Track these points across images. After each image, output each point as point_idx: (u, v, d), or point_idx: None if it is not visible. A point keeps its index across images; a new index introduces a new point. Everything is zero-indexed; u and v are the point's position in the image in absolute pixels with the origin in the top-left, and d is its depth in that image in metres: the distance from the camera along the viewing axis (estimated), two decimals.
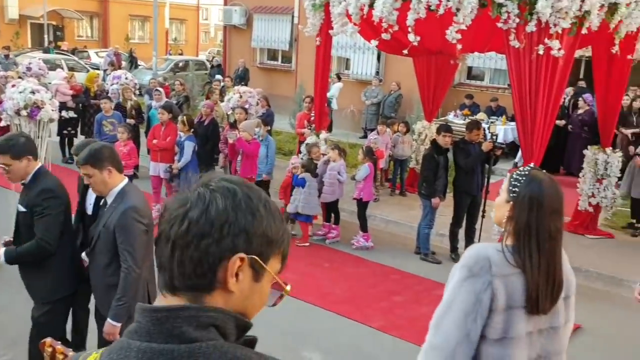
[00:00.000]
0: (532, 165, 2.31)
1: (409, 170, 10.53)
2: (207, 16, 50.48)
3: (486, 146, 7.23)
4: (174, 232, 1.12)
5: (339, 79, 15.82)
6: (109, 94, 11.29)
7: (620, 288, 6.80)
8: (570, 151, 11.88)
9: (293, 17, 17.64)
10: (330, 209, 8.21)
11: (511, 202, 2.16)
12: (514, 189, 2.16)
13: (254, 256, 1.14)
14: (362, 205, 7.96)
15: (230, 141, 8.10)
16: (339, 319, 5.75)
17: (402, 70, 13.53)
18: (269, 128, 9.31)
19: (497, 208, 2.25)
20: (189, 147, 8.10)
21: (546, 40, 6.17)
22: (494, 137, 10.01)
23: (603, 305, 6.58)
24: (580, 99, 11.88)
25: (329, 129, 14.85)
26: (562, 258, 2.18)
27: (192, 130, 8.32)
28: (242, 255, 1.12)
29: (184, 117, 8.33)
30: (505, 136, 11.83)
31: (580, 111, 11.73)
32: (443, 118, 13.71)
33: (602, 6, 6.34)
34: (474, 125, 7.53)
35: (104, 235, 3.47)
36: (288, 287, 1.22)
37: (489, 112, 13.40)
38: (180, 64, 21.88)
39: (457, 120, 13.54)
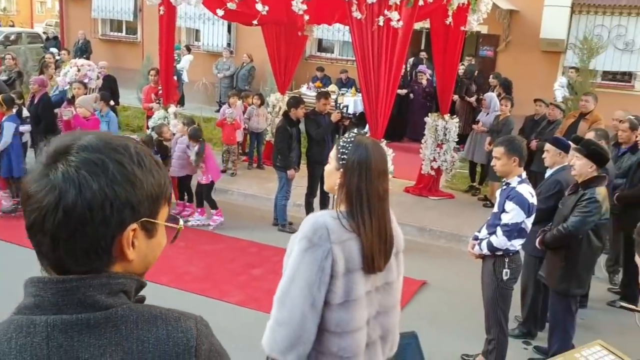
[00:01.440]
0: (355, 130, 2.36)
1: (265, 143, 10.51)
2: None
3: (335, 117, 7.41)
4: (50, 224, 1.02)
5: (189, 50, 15.29)
6: None
7: (460, 244, 7.36)
8: (413, 119, 12.57)
9: None
10: (183, 187, 7.95)
11: (341, 169, 2.19)
12: (342, 156, 2.20)
13: (144, 219, 1.10)
14: (208, 186, 7.70)
15: (65, 118, 7.48)
16: (196, 298, 5.62)
17: (253, 42, 13.37)
18: (112, 103, 8.75)
19: (328, 176, 2.29)
20: (9, 128, 7.32)
21: (386, 12, 6.38)
22: (344, 108, 10.31)
23: (446, 260, 7.10)
24: (418, 71, 12.57)
25: (181, 103, 14.41)
26: (390, 216, 2.26)
27: (17, 109, 7.52)
28: (134, 225, 1.08)
29: (2, 95, 7.50)
30: (355, 107, 12.19)
31: (422, 81, 12.41)
32: (296, 90, 13.83)
33: None
34: (322, 95, 7.67)
35: None
36: (181, 223, 1.24)
37: (340, 84, 13.72)
38: (12, 37, 19.83)
39: (309, 93, 13.73)
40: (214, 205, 7.71)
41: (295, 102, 7.63)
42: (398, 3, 6.38)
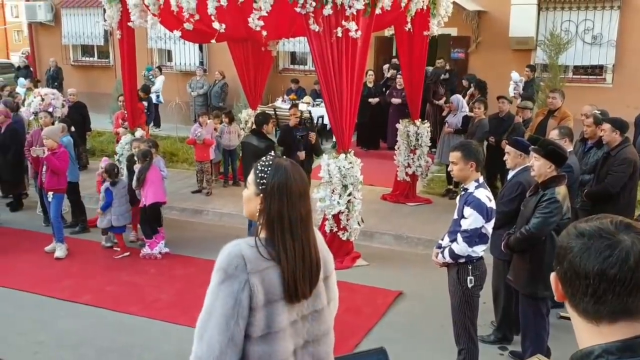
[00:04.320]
0: (272, 154, 2.27)
1: (239, 159, 10.41)
2: (17, 13, 45.93)
3: (292, 122, 7.54)
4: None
5: (161, 71, 15.22)
6: None
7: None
8: (392, 126, 12.54)
9: (105, 9, 16.55)
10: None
11: (261, 195, 2.11)
12: (261, 181, 2.11)
13: None
14: (150, 210, 7.30)
15: (34, 155, 7.38)
16: (166, 326, 5.49)
17: (225, 58, 13.25)
18: (73, 129, 8.66)
19: (247, 202, 2.19)
20: None
21: (343, 23, 6.32)
22: (317, 119, 10.28)
23: (423, 269, 6.98)
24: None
25: (157, 125, 14.33)
26: (316, 239, 2.18)
27: None
28: None
29: None
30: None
31: (398, 87, 12.37)
32: (271, 104, 13.79)
33: None
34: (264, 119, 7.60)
35: None
36: None
37: (314, 95, 13.69)
38: None
39: (284, 105, 13.69)
40: (149, 234, 7.30)
41: (264, 118, 7.58)
42: (355, 13, 6.33)
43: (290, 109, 7.55)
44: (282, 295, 2.05)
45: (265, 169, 2.12)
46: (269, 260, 2.05)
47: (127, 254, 7.29)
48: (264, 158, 2.18)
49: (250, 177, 2.17)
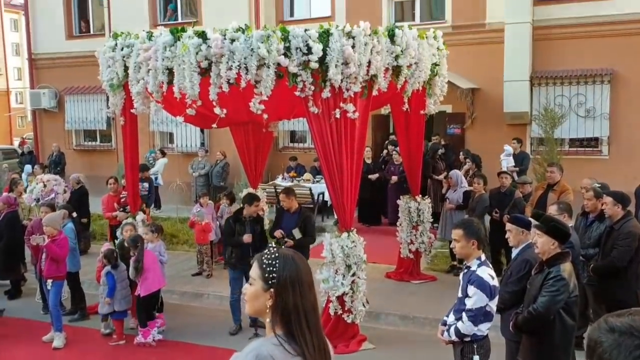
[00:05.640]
0: (273, 244, 2.24)
1: None
2: (21, 100, 47.20)
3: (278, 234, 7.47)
4: None
5: (163, 154, 15.44)
6: None
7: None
8: (392, 201, 12.59)
9: (107, 95, 17.02)
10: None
11: (272, 289, 2.06)
12: (271, 275, 2.06)
13: None
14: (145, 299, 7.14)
15: (34, 244, 7.36)
16: None
17: (226, 138, 13.51)
18: (75, 215, 8.63)
19: (253, 299, 2.11)
20: None
21: (341, 104, 6.47)
22: (317, 199, 10.22)
23: (433, 351, 6.73)
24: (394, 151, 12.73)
25: (157, 206, 14.36)
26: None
27: None
28: None
29: None
30: None
31: (395, 163, 12.52)
32: (271, 182, 13.90)
33: (386, 69, 6.84)
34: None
35: None
36: None
37: (314, 172, 13.83)
38: None
39: (284, 183, 13.79)
40: (143, 322, 7.12)
41: (249, 199, 7.61)
42: (352, 95, 6.49)
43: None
44: None
45: (273, 262, 2.07)
46: (295, 356, 2.01)
47: (122, 342, 7.11)
48: (266, 250, 2.14)
49: (255, 272, 2.11)
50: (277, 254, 2.09)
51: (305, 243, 7.56)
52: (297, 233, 7.54)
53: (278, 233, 7.52)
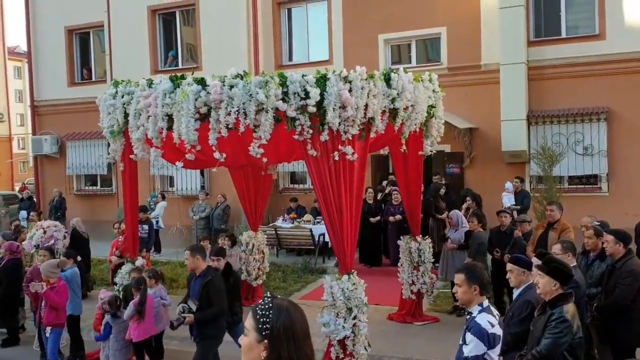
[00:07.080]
0: (268, 294, 2.22)
1: (244, 284, 10.28)
2: (24, 145, 47.59)
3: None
4: None
5: (164, 197, 15.47)
6: None
7: None
8: (391, 242, 12.54)
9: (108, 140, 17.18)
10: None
11: (265, 341, 2.04)
12: (264, 326, 2.05)
13: None
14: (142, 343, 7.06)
15: (33, 290, 7.32)
16: None
17: (227, 180, 13.56)
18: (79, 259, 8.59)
19: (247, 351, 2.09)
20: None
21: (340, 147, 6.52)
22: (318, 240, 10.14)
23: None
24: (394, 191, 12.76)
25: (157, 250, 14.31)
26: None
27: None
28: None
29: None
30: None
31: (395, 203, 12.52)
32: (272, 224, 13.88)
33: (383, 112, 6.93)
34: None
35: None
36: None
37: (314, 213, 13.83)
38: None
39: (285, 225, 13.79)
40: None
41: (216, 252, 7.55)
42: (350, 138, 6.55)
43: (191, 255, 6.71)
44: None
45: (267, 312, 2.06)
46: None
47: None
48: (261, 300, 2.13)
49: (249, 323, 2.09)
50: (271, 304, 2.08)
51: (206, 317, 6.34)
52: (192, 304, 6.37)
53: (179, 308, 6.48)
